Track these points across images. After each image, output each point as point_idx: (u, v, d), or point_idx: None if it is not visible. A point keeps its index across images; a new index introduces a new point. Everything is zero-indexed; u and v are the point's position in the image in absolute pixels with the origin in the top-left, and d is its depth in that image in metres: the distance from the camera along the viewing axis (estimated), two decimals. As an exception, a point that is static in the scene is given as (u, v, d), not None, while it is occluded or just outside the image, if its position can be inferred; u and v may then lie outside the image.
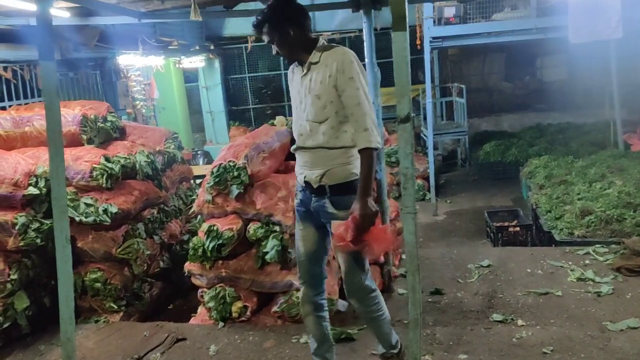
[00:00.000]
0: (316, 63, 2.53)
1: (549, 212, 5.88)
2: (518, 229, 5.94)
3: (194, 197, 5.28)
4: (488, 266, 4.61)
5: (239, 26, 11.10)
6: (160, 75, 9.36)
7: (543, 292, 3.98)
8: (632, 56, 9.11)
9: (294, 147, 2.72)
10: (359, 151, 2.44)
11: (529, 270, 4.44)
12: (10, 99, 5.43)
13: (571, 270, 4.33)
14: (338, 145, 2.52)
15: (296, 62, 2.65)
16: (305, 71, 2.56)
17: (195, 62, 10.46)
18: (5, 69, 5.16)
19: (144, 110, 8.11)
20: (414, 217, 2.38)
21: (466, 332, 3.28)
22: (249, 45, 11.44)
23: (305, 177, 2.63)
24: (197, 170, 6.43)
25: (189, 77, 12.23)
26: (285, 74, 12.62)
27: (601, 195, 5.92)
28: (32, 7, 3.72)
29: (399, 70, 2.31)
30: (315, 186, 2.59)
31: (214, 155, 10.76)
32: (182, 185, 5.28)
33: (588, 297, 3.85)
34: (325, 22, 10.98)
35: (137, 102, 7.95)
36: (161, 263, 4.53)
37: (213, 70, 11.74)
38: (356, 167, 2.54)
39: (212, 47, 11.03)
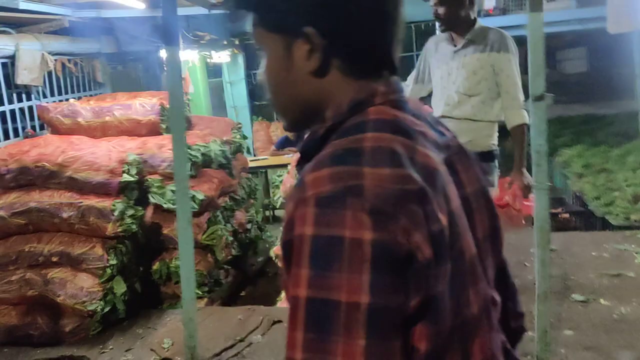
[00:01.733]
0: (473, 41, 2.65)
1: (597, 199, 5.98)
2: (567, 215, 6.03)
3: (253, 186, 5.36)
4: (552, 250, 4.68)
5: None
6: (191, 70, 9.39)
7: (615, 273, 4.05)
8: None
9: (438, 115, 2.85)
10: (514, 127, 2.57)
11: (594, 254, 4.52)
12: (72, 91, 5.47)
13: (636, 252, 4.42)
14: (485, 119, 2.70)
15: (443, 36, 2.81)
16: (459, 46, 2.71)
17: (222, 56, 10.49)
18: (69, 61, 5.21)
19: (181, 104, 8.13)
20: (546, 192, 2.48)
21: (564, 310, 3.36)
22: (272, 39, 11.46)
23: None
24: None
25: (210, 72, 12.21)
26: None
27: (649, 182, 6.04)
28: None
29: (535, 50, 2.41)
30: None
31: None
32: (242, 175, 5.35)
33: (661, 277, 3.94)
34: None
35: (176, 96, 7.96)
36: (232, 250, 4.59)
37: (237, 65, 11.73)
38: (495, 140, 2.75)
39: (237, 42, 11.04)
